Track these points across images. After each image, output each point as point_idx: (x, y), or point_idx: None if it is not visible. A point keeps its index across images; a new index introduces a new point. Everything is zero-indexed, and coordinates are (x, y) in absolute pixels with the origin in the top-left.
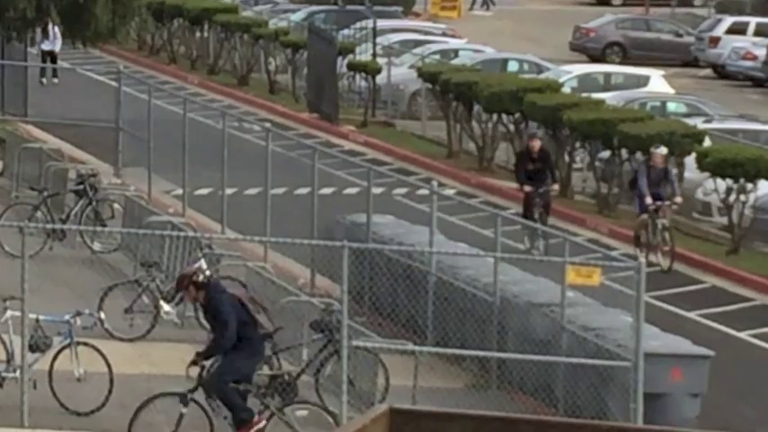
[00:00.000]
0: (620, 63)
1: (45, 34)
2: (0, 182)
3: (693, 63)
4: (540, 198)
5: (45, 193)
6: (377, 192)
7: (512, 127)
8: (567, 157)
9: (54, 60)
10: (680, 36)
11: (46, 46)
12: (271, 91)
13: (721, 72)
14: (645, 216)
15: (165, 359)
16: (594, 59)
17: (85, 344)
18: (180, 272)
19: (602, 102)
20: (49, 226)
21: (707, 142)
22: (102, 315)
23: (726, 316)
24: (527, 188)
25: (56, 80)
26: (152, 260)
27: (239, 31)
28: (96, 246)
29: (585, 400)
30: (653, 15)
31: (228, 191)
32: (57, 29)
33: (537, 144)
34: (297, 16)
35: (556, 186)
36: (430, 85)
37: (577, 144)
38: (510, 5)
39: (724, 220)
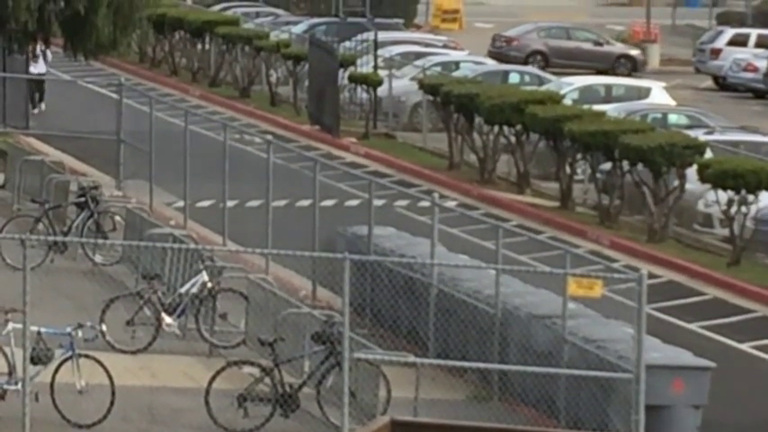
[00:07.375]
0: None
1: (34, 56)
2: (1, 194)
3: (611, 71)
4: None
5: (46, 206)
6: (378, 204)
7: (513, 139)
8: (568, 169)
9: (41, 85)
10: (599, 45)
11: (35, 68)
12: (272, 103)
13: (722, 84)
14: None
15: (166, 371)
16: None
17: (87, 356)
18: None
19: (603, 113)
20: (51, 238)
21: (708, 154)
22: (104, 327)
23: (727, 327)
24: None
25: (43, 106)
26: (153, 272)
27: (241, 43)
28: (98, 258)
29: (587, 412)
30: (573, 24)
31: (230, 203)
32: (45, 51)
33: None
34: (298, 28)
35: None
36: (431, 97)
37: (578, 155)
38: (512, 18)
39: (725, 232)
